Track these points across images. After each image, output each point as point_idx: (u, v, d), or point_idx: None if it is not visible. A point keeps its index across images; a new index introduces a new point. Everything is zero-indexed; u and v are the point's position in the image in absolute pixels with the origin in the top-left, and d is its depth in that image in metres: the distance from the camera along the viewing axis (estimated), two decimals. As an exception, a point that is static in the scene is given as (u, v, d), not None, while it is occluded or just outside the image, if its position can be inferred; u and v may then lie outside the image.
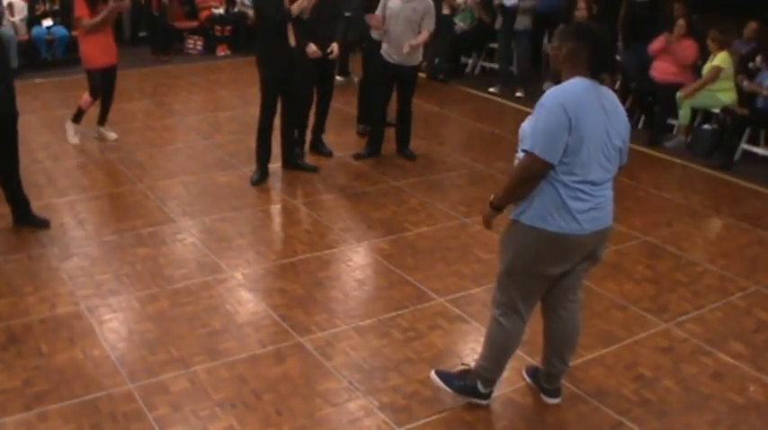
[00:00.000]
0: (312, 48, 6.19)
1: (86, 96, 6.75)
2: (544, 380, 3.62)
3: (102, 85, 6.77)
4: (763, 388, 3.85)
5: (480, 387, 3.52)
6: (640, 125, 8.30)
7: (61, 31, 9.85)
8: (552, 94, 3.04)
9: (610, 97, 3.12)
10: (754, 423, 3.60)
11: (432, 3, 6.49)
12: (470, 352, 3.96)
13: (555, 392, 3.62)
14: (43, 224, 5.21)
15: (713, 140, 7.47)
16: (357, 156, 6.93)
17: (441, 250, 5.19)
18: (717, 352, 4.14)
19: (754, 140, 7.54)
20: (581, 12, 6.91)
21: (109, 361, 3.82)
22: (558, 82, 3.18)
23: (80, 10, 6.46)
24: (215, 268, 4.81)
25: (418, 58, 6.68)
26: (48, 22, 9.90)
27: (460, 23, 10.47)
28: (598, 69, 3.07)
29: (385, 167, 6.73)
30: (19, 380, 3.63)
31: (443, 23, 9.93)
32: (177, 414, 3.44)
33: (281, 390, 3.64)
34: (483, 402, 3.56)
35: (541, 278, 3.23)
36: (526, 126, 3.16)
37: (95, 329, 4.09)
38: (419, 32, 6.45)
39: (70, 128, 6.93)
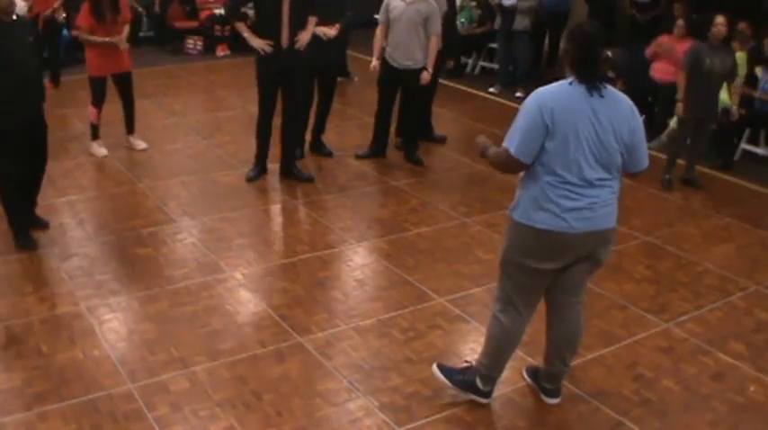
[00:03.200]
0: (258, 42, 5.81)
1: (91, 108, 6.61)
2: (545, 379, 3.63)
3: (118, 93, 6.68)
4: (763, 388, 3.85)
5: (479, 383, 3.53)
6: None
7: (61, 30, 9.84)
8: (534, 95, 3.11)
9: (607, 100, 3.09)
10: (754, 423, 3.60)
11: (436, 5, 6.30)
12: (470, 352, 3.96)
13: (555, 392, 3.62)
14: (43, 225, 5.21)
15: (712, 140, 7.46)
16: (357, 156, 6.93)
17: (441, 250, 5.19)
18: (717, 352, 4.14)
19: (754, 140, 7.53)
20: (718, 28, 6.46)
21: (109, 361, 3.82)
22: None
23: (83, 20, 6.25)
24: (215, 268, 4.81)
25: (422, 60, 6.40)
26: (48, 22, 9.88)
27: (458, 22, 10.47)
28: (582, 71, 3.08)
29: (385, 167, 6.73)
30: (19, 380, 3.63)
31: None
32: (177, 414, 3.44)
33: (281, 391, 3.64)
34: (482, 400, 3.56)
35: (533, 274, 3.25)
36: None
37: (95, 329, 4.09)
38: (424, 36, 6.27)
39: (92, 146, 6.77)
